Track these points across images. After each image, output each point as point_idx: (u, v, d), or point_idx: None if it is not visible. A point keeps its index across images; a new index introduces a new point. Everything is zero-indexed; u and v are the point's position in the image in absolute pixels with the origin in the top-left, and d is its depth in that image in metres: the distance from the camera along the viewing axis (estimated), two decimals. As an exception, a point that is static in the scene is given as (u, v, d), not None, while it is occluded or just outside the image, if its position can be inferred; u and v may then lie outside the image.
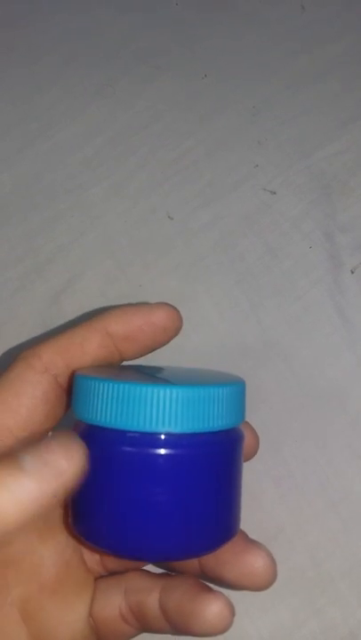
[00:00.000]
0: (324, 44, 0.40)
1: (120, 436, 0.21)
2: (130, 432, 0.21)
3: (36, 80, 0.40)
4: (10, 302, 0.36)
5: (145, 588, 0.25)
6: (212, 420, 0.22)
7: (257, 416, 0.33)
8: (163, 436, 0.21)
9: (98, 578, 0.26)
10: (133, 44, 0.41)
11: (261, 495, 0.31)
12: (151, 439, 0.21)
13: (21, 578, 0.24)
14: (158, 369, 0.27)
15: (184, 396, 0.21)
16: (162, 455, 0.21)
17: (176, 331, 0.26)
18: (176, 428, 0.21)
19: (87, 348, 0.25)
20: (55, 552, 0.25)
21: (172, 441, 0.21)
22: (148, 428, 0.21)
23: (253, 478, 0.32)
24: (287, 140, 0.38)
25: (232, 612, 0.23)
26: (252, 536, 0.31)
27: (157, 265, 0.36)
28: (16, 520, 0.17)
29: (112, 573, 0.27)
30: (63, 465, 0.18)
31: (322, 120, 0.38)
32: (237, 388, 0.23)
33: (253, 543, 0.25)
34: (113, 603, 0.25)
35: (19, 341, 0.35)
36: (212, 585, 0.25)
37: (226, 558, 0.24)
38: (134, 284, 0.35)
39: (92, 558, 0.26)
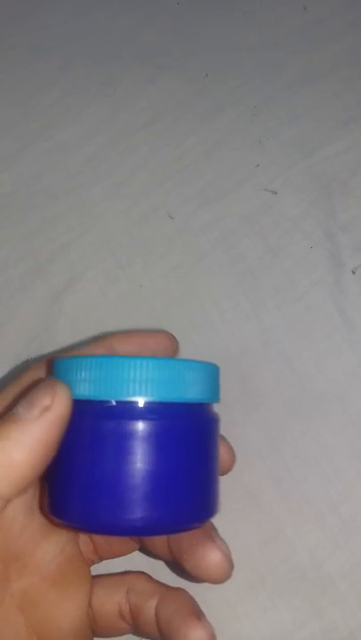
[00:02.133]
0: (325, 43, 0.40)
1: (96, 406, 0.22)
2: (105, 402, 0.21)
3: (36, 79, 0.40)
4: (10, 302, 0.36)
5: (146, 592, 0.26)
6: (186, 390, 0.22)
7: (257, 416, 0.33)
8: (138, 405, 0.21)
9: (101, 574, 0.27)
10: (134, 43, 0.41)
11: (261, 495, 0.31)
12: (129, 409, 0.21)
13: (23, 572, 0.24)
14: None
15: (159, 365, 0.21)
16: (137, 424, 0.21)
17: (174, 353, 0.28)
18: (153, 397, 0.21)
19: None
20: (57, 546, 0.25)
21: (149, 410, 0.21)
22: (122, 397, 0.21)
23: (253, 478, 0.32)
24: (288, 140, 0.38)
25: None
26: (252, 536, 0.31)
27: (158, 265, 0.36)
28: (25, 459, 0.20)
29: (113, 574, 0.28)
30: (47, 401, 0.21)
31: (323, 120, 0.38)
32: (211, 367, 0.24)
33: (212, 538, 0.25)
34: (113, 599, 0.26)
35: (19, 341, 0.35)
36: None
37: (184, 548, 0.25)
38: (135, 284, 0.35)
39: (87, 548, 0.27)
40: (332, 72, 0.39)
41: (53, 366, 0.24)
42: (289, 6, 0.41)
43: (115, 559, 0.28)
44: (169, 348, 0.28)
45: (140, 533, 0.25)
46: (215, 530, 0.26)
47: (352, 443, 0.32)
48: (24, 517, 0.24)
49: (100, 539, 0.28)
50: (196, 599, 0.25)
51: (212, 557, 0.24)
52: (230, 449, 0.27)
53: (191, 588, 0.26)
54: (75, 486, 0.22)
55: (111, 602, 0.26)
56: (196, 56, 0.40)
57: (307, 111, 0.38)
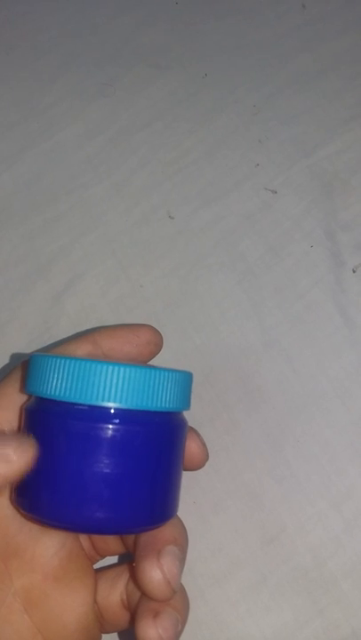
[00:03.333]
0: (324, 42, 0.40)
1: (68, 408, 0.22)
2: (78, 405, 0.22)
3: (36, 80, 0.40)
4: (11, 303, 0.36)
5: None
6: (155, 399, 0.22)
7: (259, 415, 0.33)
8: (109, 411, 0.22)
9: (105, 567, 0.27)
10: (134, 43, 0.41)
11: (263, 495, 0.31)
12: (98, 413, 0.22)
13: (25, 568, 0.24)
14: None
15: (133, 374, 0.22)
16: (107, 428, 0.22)
17: (158, 347, 0.28)
18: (122, 404, 0.22)
19: (78, 354, 0.27)
20: (58, 542, 0.25)
21: (118, 416, 0.22)
22: (95, 402, 0.22)
23: (255, 478, 0.32)
24: (288, 139, 0.38)
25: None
26: (254, 535, 0.31)
27: (158, 265, 0.36)
28: None
29: (116, 565, 0.28)
30: (11, 455, 0.21)
31: (323, 118, 0.38)
32: (183, 376, 0.24)
33: (160, 555, 0.23)
34: (117, 590, 0.26)
35: (21, 341, 0.35)
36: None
37: (136, 556, 0.24)
38: (135, 284, 0.35)
39: (86, 544, 0.27)
40: (332, 70, 0.39)
41: (30, 362, 0.24)
42: (288, 5, 0.41)
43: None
44: (152, 342, 0.28)
45: (97, 532, 0.25)
46: (177, 545, 0.24)
47: (353, 442, 0.32)
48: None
49: (95, 536, 0.28)
50: (198, 597, 0.25)
51: (151, 574, 0.23)
52: (202, 445, 0.27)
53: (193, 586, 0.26)
54: (41, 481, 0.22)
55: (114, 593, 0.26)
56: (195, 56, 0.40)
57: (306, 110, 0.38)
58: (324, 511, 0.31)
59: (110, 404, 0.22)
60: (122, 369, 0.22)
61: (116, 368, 0.22)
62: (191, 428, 0.26)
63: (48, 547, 0.25)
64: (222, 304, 0.35)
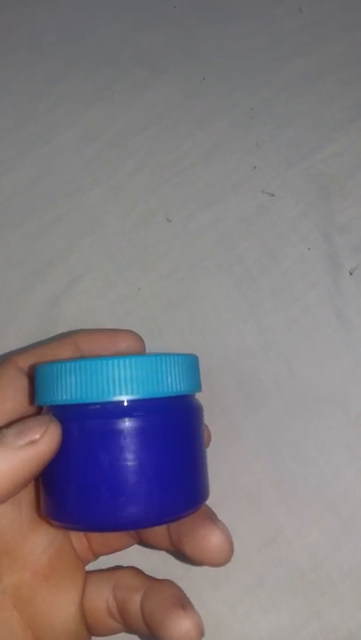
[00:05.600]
0: (321, 45, 0.40)
1: (82, 410, 0.22)
2: (91, 405, 0.22)
3: (34, 83, 0.41)
4: (10, 306, 0.36)
5: (132, 587, 0.26)
6: (167, 384, 0.22)
7: (256, 417, 0.33)
8: (123, 404, 0.22)
9: (90, 571, 0.27)
10: (131, 46, 0.41)
11: (261, 497, 0.31)
12: (112, 408, 0.22)
13: (14, 566, 0.24)
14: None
15: (138, 363, 0.22)
16: (124, 422, 0.22)
17: (140, 352, 0.28)
18: (134, 395, 0.22)
19: (58, 358, 0.27)
20: (47, 539, 0.25)
21: (132, 407, 0.22)
22: (107, 398, 0.22)
23: (252, 480, 0.32)
24: (285, 142, 0.38)
25: (201, 633, 0.23)
26: (252, 537, 0.31)
27: (156, 267, 0.36)
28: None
29: (102, 570, 0.28)
30: (36, 436, 0.21)
31: (320, 122, 0.38)
32: (190, 358, 0.24)
33: (213, 520, 0.25)
34: (102, 596, 0.26)
35: (19, 344, 0.35)
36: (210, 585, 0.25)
37: (185, 531, 0.25)
38: (133, 287, 0.36)
39: (81, 545, 0.27)
40: (329, 74, 0.39)
41: (35, 374, 0.24)
42: (285, 9, 0.41)
43: (100, 562, 0.28)
44: (134, 347, 0.28)
45: (138, 527, 0.25)
46: (214, 514, 0.25)
47: (351, 444, 0.32)
48: (12, 511, 0.25)
49: (95, 535, 0.28)
50: (195, 600, 0.25)
51: (212, 539, 0.24)
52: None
53: (191, 588, 0.26)
54: (69, 489, 0.22)
55: (99, 599, 0.26)
56: (192, 59, 0.40)
57: (303, 113, 0.38)
58: (322, 513, 0.31)
59: (123, 398, 0.22)
60: (127, 360, 0.22)
61: (122, 361, 0.22)
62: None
63: (37, 544, 0.25)
64: (220, 306, 0.35)
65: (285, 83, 0.39)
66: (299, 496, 0.31)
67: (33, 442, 0.21)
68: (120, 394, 0.22)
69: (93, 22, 0.42)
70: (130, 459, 0.22)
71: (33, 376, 0.25)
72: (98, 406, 0.22)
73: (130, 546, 0.29)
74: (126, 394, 0.22)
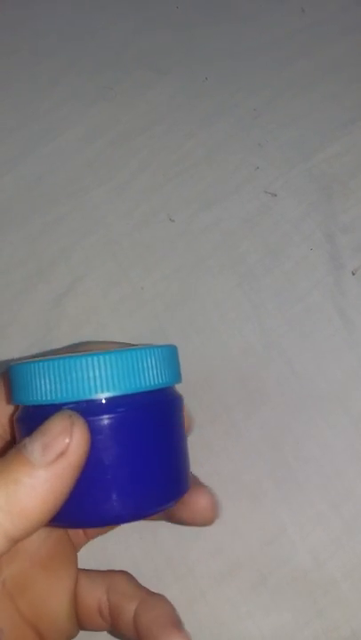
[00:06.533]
0: (323, 46, 0.40)
1: (57, 409, 0.21)
2: (67, 404, 0.21)
3: (37, 83, 0.41)
4: (13, 305, 0.36)
5: (126, 594, 0.26)
6: (145, 378, 0.22)
7: (258, 417, 0.33)
8: (100, 402, 0.21)
9: (83, 569, 0.27)
10: (134, 47, 0.41)
11: (263, 496, 0.32)
12: (88, 406, 0.21)
13: (13, 557, 0.25)
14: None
15: (115, 359, 0.21)
16: (100, 420, 0.21)
17: None
18: (110, 392, 0.21)
19: None
20: (45, 530, 0.25)
21: (109, 404, 0.22)
22: (81, 397, 0.21)
23: (255, 479, 0.32)
24: (288, 143, 0.38)
25: None
26: (254, 536, 0.31)
27: (159, 267, 0.36)
28: (37, 507, 0.19)
29: (95, 570, 0.28)
30: (64, 445, 0.20)
31: (322, 122, 0.38)
32: (168, 349, 0.24)
33: (198, 482, 0.26)
34: (94, 595, 0.26)
35: (21, 344, 0.35)
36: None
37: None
38: (136, 287, 0.36)
39: (75, 531, 0.28)
40: (331, 74, 0.39)
41: (10, 372, 0.24)
42: (287, 9, 0.41)
43: (118, 556, 0.29)
44: None
45: (120, 522, 0.25)
46: (197, 478, 0.27)
47: (353, 443, 0.32)
48: None
49: None
50: (199, 598, 0.25)
51: (204, 501, 0.26)
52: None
53: (194, 587, 0.26)
54: None
55: (91, 597, 0.26)
56: (195, 60, 0.41)
57: (306, 113, 0.38)
58: (324, 512, 0.31)
59: (98, 396, 0.21)
60: (101, 358, 0.21)
61: (95, 358, 0.21)
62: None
63: (36, 536, 0.25)
64: (222, 306, 0.35)
65: (288, 83, 0.39)
66: (301, 495, 0.31)
67: (62, 454, 0.19)
68: (95, 392, 0.21)
69: (96, 23, 0.42)
70: (108, 456, 0.21)
71: (7, 375, 0.25)
72: (72, 405, 0.21)
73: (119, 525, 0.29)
74: (104, 391, 0.21)
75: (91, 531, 0.28)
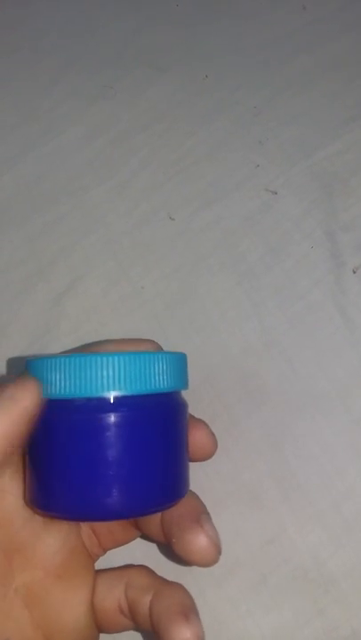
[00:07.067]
0: (325, 43, 0.40)
1: (67, 404, 0.23)
2: (76, 399, 0.23)
3: (37, 82, 0.41)
4: (12, 304, 0.36)
5: (142, 587, 0.26)
6: (153, 382, 0.23)
7: (259, 416, 0.33)
8: (108, 400, 0.22)
9: (102, 569, 0.27)
10: (134, 45, 0.41)
11: (263, 495, 0.31)
12: (97, 404, 0.22)
13: (26, 565, 0.25)
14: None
15: (126, 360, 0.23)
16: (107, 417, 0.22)
17: None
18: (119, 391, 0.22)
19: None
20: (59, 538, 0.25)
21: (116, 403, 0.23)
22: (92, 394, 0.22)
23: (255, 478, 0.32)
24: (288, 140, 0.38)
25: None
26: (254, 535, 0.31)
27: (159, 266, 0.36)
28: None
29: (114, 568, 0.28)
30: (17, 393, 0.22)
31: (323, 120, 0.38)
32: (178, 356, 0.25)
33: (200, 523, 0.25)
34: (114, 594, 0.26)
35: (21, 343, 0.35)
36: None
37: (174, 532, 0.25)
38: (136, 286, 0.36)
39: (91, 542, 0.28)
40: (332, 72, 0.39)
41: (26, 367, 0.25)
42: (288, 6, 0.41)
43: (119, 555, 0.29)
44: None
45: (117, 517, 0.26)
46: (206, 514, 0.26)
47: (354, 442, 0.32)
48: (25, 510, 0.25)
49: (102, 529, 0.28)
50: (199, 597, 0.25)
51: (197, 542, 0.24)
52: (210, 434, 0.28)
53: (193, 586, 0.26)
54: (52, 478, 0.23)
55: (111, 597, 0.26)
56: (195, 57, 0.40)
57: (307, 111, 0.38)
58: (325, 511, 0.31)
59: (108, 394, 0.22)
60: (117, 358, 0.22)
61: (112, 358, 0.22)
62: (199, 420, 0.27)
63: (50, 544, 0.25)
64: (223, 305, 0.35)
65: (289, 80, 0.39)
66: (301, 494, 0.31)
67: (11, 399, 0.22)
68: (106, 390, 0.22)
69: (96, 21, 0.42)
70: (112, 453, 0.22)
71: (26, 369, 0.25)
72: (83, 401, 0.22)
73: (134, 538, 0.29)
74: (112, 390, 0.22)
75: (105, 542, 0.28)
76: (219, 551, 0.25)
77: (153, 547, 0.31)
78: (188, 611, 0.24)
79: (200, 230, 0.36)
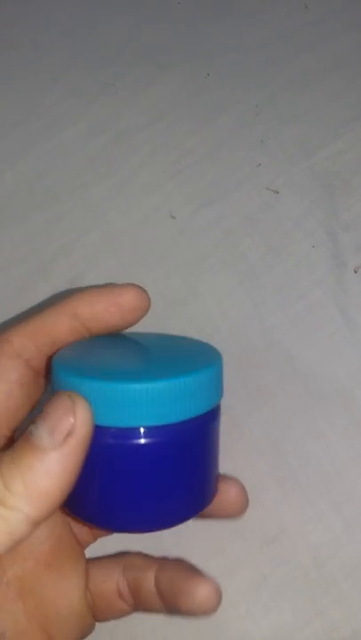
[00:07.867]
0: (327, 42, 0.40)
1: (102, 431, 0.22)
2: (111, 428, 0.22)
3: (38, 79, 0.40)
4: (13, 302, 0.36)
5: (143, 566, 0.26)
6: (186, 409, 0.22)
7: (259, 416, 0.33)
8: (139, 430, 0.22)
9: (98, 557, 0.28)
10: (136, 42, 0.41)
11: (264, 495, 0.31)
12: (129, 432, 0.22)
13: (16, 557, 0.25)
14: (132, 341, 0.27)
15: (162, 390, 0.21)
16: (139, 445, 0.22)
17: (144, 311, 0.26)
18: (150, 422, 0.22)
19: (57, 331, 0.25)
20: (47, 528, 0.25)
21: (147, 433, 0.22)
22: (123, 424, 0.22)
23: (256, 478, 0.32)
24: (290, 139, 0.38)
25: (219, 597, 0.24)
26: (254, 536, 0.31)
27: (160, 264, 0.36)
28: (53, 486, 0.19)
29: (110, 555, 0.29)
30: (69, 426, 0.20)
31: (324, 119, 0.38)
32: (212, 371, 0.24)
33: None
34: (111, 578, 0.26)
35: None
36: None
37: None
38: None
39: (80, 529, 0.28)
40: (334, 71, 0.39)
41: (55, 374, 0.24)
42: (290, 5, 0.41)
43: (111, 549, 0.29)
44: (137, 308, 0.26)
45: (142, 531, 0.26)
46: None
47: (354, 442, 0.32)
48: None
49: None
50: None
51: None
52: (243, 491, 0.28)
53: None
54: (90, 492, 0.23)
55: (109, 581, 0.26)
56: (197, 56, 0.40)
57: (308, 110, 0.38)
58: (325, 512, 0.31)
59: (140, 425, 0.22)
60: (153, 386, 0.21)
61: (148, 386, 0.21)
62: (234, 479, 0.27)
63: (37, 534, 0.25)
64: (223, 304, 0.35)
65: (291, 79, 0.39)
66: (302, 494, 0.31)
67: (69, 434, 0.20)
68: (137, 422, 0.22)
69: (97, 18, 0.42)
70: (141, 478, 0.23)
71: (51, 366, 0.24)
72: (114, 430, 0.22)
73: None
74: (146, 422, 0.22)
75: (96, 530, 0.28)
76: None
77: (153, 546, 0.31)
78: (202, 573, 0.25)
79: (201, 229, 0.36)
